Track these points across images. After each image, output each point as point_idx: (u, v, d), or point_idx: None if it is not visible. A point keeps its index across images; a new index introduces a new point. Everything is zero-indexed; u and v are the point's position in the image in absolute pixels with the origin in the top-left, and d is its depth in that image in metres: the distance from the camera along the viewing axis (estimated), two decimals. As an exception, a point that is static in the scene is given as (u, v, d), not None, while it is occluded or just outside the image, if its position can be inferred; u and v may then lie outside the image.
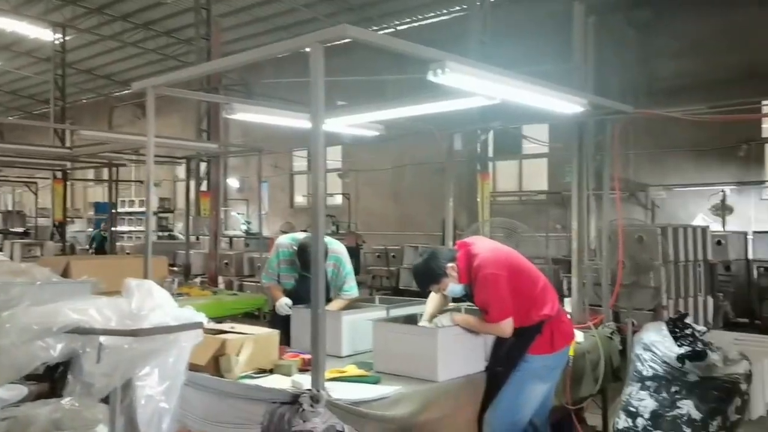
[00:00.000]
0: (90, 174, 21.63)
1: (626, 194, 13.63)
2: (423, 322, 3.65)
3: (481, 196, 10.04)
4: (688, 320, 4.12)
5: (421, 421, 3.02)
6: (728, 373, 3.76)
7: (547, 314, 3.45)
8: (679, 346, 3.83)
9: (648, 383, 3.86)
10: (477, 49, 9.83)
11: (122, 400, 2.58)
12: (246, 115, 4.77)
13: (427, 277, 3.53)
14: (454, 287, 3.53)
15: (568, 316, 3.70)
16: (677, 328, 3.97)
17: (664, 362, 3.81)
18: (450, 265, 3.52)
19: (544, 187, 15.41)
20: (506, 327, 3.37)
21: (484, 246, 3.55)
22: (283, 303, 4.54)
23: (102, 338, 2.42)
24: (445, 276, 3.52)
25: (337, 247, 4.70)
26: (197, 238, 13.70)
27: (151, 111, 3.91)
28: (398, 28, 17.39)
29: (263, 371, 3.30)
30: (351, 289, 4.67)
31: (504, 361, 3.51)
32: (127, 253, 12.90)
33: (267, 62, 18.03)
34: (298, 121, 4.94)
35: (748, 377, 3.85)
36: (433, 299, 3.80)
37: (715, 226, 11.78)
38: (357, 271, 14.30)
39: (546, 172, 15.60)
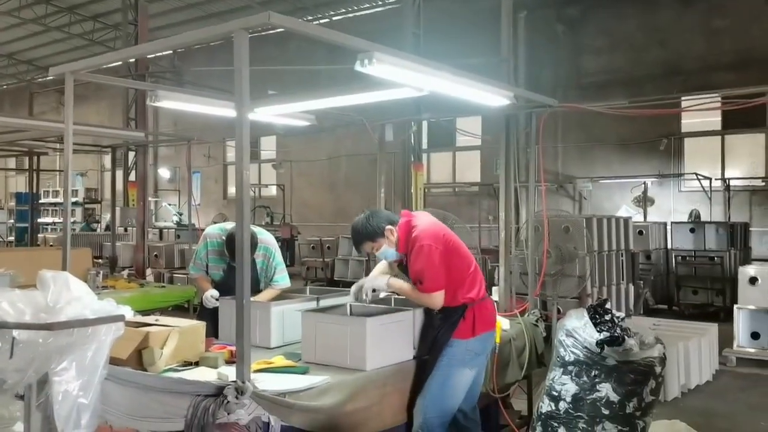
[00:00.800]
0: (11, 163, 20.68)
1: (555, 186, 14.04)
2: (358, 283, 3.67)
3: (415, 187, 10.14)
4: (608, 306, 4.27)
5: (348, 410, 3.04)
6: (644, 357, 3.93)
7: (472, 298, 3.53)
8: (599, 331, 3.97)
9: (570, 368, 3.98)
10: (411, 42, 9.89)
11: (38, 396, 2.50)
12: (172, 102, 4.66)
13: (364, 234, 3.58)
14: (387, 250, 3.58)
15: (494, 304, 3.77)
16: (597, 315, 4.11)
17: (585, 347, 3.95)
18: (389, 227, 3.57)
19: (477, 179, 15.69)
20: (437, 299, 3.46)
21: (425, 220, 3.62)
22: (209, 295, 4.48)
23: (15, 332, 2.34)
24: (382, 236, 3.57)
25: (267, 238, 4.67)
26: (126, 230, 13.32)
27: (69, 97, 3.77)
28: (333, 18, 17.32)
29: (189, 364, 3.26)
30: (281, 279, 4.65)
31: (430, 347, 3.57)
32: (50, 245, 12.42)
33: (199, 50, 17.69)
34: (228, 110, 4.86)
35: (663, 360, 4.03)
36: (380, 268, 3.85)
37: (638, 217, 12.28)
38: (291, 263, 14.35)
39: (479, 164, 15.88)
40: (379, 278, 3.61)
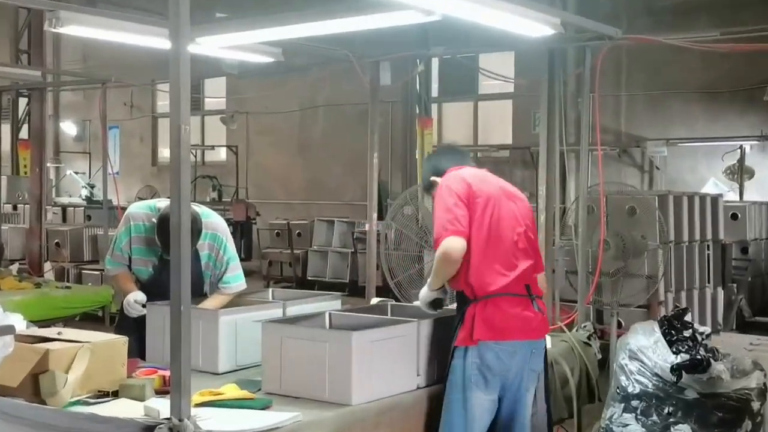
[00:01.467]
0: None
1: (616, 151, 14.04)
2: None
3: (421, 151, 10.12)
4: (688, 319, 4.31)
5: (326, 459, 3.07)
6: (737, 389, 3.97)
7: (493, 290, 3.62)
8: (674, 353, 4.01)
9: (634, 403, 4.03)
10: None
11: None
12: (80, 28, 4.63)
13: (423, 177, 4.13)
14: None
15: (533, 305, 3.74)
16: (673, 330, 4.15)
17: (655, 375, 3.99)
18: (434, 178, 3.96)
19: (508, 141, 15.68)
20: (450, 246, 3.60)
21: (470, 172, 3.88)
22: (133, 299, 4.48)
23: None
24: (431, 187, 4.01)
25: (215, 221, 4.68)
26: (15, 208, 13.29)
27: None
28: None
29: (104, 395, 3.28)
30: (234, 279, 4.66)
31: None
32: None
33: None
34: (160, 40, 4.83)
35: (763, 393, 4.08)
36: None
37: (731, 194, 12.29)
38: (248, 255, 14.32)
39: (510, 119, 15.86)
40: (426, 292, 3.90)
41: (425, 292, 3.86)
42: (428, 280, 3.84)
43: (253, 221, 14.98)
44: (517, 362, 3.68)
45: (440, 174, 3.88)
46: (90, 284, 10.42)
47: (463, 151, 4.21)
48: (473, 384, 3.60)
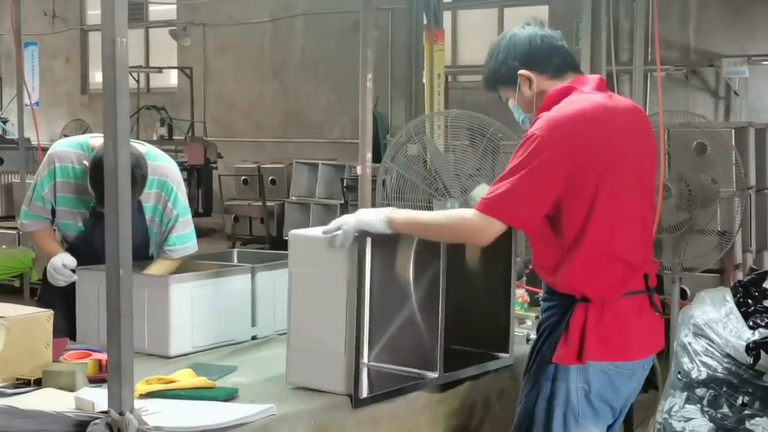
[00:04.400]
0: None
1: (682, 71, 13.99)
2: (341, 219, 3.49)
3: (429, 73, 10.11)
4: (770, 285, 4.34)
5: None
6: (830, 374, 4.01)
7: (604, 289, 3.35)
8: (751, 327, 4.03)
9: (699, 391, 4.06)
10: None
11: None
12: None
13: (496, 72, 3.56)
14: (514, 107, 3.59)
15: (652, 305, 3.47)
16: (750, 299, 4.17)
17: (727, 355, 4.02)
18: (524, 71, 3.47)
19: (541, 59, 15.63)
20: (485, 230, 3.29)
21: (593, 99, 3.42)
22: (60, 262, 4.49)
23: None
24: (512, 83, 3.51)
25: (165, 165, 4.67)
26: None
27: None
28: None
29: (24, 383, 3.29)
30: (182, 240, 4.65)
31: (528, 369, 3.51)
32: None
33: None
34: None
35: None
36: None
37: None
38: (207, 209, 14.38)
39: (545, 31, 15.80)
40: (373, 212, 3.51)
41: (375, 220, 3.43)
42: (406, 216, 3.50)
43: (214, 165, 14.97)
44: (633, 386, 3.52)
45: (534, 69, 3.48)
46: (4, 246, 10.41)
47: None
48: (580, 417, 3.40)
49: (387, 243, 3.55)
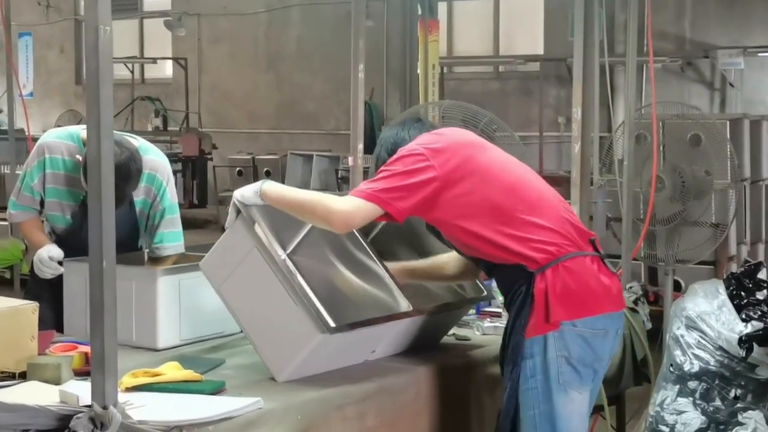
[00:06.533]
0: None
1: (677, 62, 13.97)
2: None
3: (424, 64, 10.10)
4: (763, 276, 4.32)
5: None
6: (823, 367, 4.00)
7: (546, 250, 3.49)
8: (744, 320, 4.03)
9: (692, 384, 4.06)
10: None
11: None
12: None
13: (382, 148, 3.82)
14: None
15: (603, 263, 3.66)
16: (743, 291, 4.16)
17: (719, 348, 4.01)
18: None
19: (538, 50, 15.60)
20: (346, 210, 3.46)
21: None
22: (47, 255, 4.47)
23: None
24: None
25: (155, 160, 4.67)
26: None
27: None
28: None
29: (9, 376, 3.29)
30: (171, 237, 4.68)
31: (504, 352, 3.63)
32: None
33: None
34: None
35: None
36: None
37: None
38: (202, 200, 14.35)
39: (542, 23, 15.74)
40: (251, 186, 3.59)
41: (250, 194, 3.54)
42: (279, 190, 3.59)
43: (208, 156, 14.93)
44: (610, 344, 3.62)
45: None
46: (-9, 237, 10.42)
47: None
48: (565, 384, 3.48)
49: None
